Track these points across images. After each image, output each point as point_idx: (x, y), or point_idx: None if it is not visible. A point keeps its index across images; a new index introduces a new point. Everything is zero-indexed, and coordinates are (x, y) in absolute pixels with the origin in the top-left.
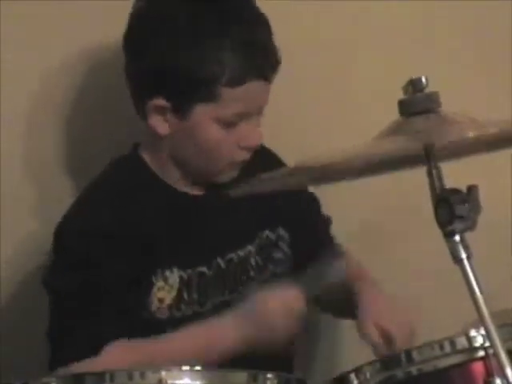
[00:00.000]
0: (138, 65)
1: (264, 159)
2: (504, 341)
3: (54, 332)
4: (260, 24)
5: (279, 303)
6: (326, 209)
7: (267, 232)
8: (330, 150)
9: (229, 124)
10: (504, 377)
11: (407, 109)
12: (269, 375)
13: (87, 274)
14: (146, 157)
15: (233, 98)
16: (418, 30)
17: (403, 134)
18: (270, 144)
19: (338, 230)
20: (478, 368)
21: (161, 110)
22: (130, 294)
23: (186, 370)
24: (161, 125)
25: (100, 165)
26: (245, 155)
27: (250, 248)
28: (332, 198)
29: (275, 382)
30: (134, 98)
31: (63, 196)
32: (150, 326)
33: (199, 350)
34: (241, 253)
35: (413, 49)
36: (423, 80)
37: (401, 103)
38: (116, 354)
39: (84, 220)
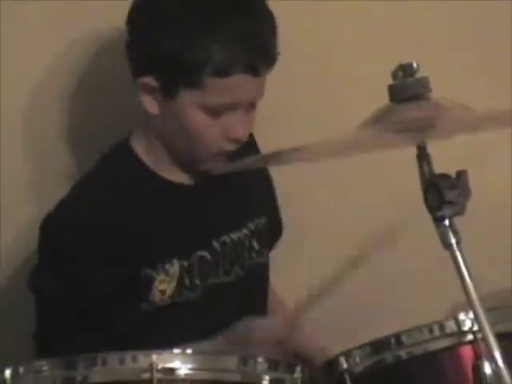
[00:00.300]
0: (135, 44)
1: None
2: (492, 324)
3: (41, 334)
4: (258, 18)
5: (266, 332)
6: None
7: (261, 218)
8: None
9: (214, 113)
10: (492, 360)
11: (397, 94)
12: (259, 359)
13: (73, 273)
14: (137, 146)
15: (218, 88)
16: (413, 26)
17: (394, 120)
18: (261, 132)
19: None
20: (467, 351)
21: (150, 89)
22: (122, 290)
23: (177, 354)
24: (150, 103)
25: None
26: (230, 146)
27: (245, 231)
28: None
29: (265, 365)
30: (132, 74)
31: (63, 183)
32: (150, 314)
33: None
34: (234, 236)
35: (406, 41)
36: (414, 65)
37: (391, 88)
38: None
39: (70, 216)
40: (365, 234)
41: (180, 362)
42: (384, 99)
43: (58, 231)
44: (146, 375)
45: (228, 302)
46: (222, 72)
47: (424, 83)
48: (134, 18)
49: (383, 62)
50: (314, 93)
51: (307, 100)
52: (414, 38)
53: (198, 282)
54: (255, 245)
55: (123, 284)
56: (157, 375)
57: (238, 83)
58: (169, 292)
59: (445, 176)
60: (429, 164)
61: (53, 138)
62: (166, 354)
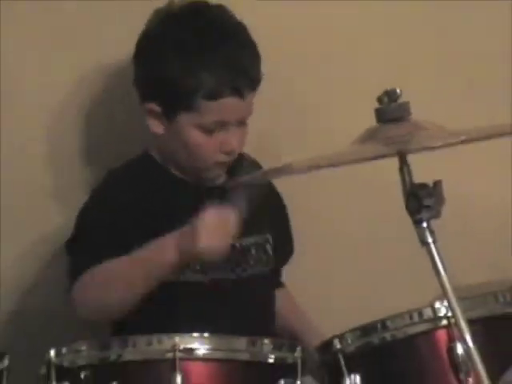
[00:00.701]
0: (139, 74)
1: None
2: (464, 311)
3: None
4: (242, 48)
5: (214, 216)
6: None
7: (265, 234)
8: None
9: (208, 131)
10: (464, 342)
11: (383, 116)
12: (265, 340)
13: (90, 244)
14: (154, 154)
15: (210, 110)
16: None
17: (380, 138)
18: (260, 150)
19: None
20: (442, 334)
21: (154, 113)
22: None
23: (196, 336)
24: (156, 125)
25: (113, 157)
26: (225, 158)
27: (251, 241)
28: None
29: (271, 346)
30: (139, 101)
31: (80, 185)
32: (164, 287)
33: (145, 265)
34: (242, 242)
35: (387, 63)
36: (397, 91)
37: (377, 111)
38: (91, 273)
39: (94, 204)
40: (356, 233)
41: (198, 344)
42: (370, 120)
43: (83, 215)
44: (170, 354)
45: (232, 296)
46: (213, 96)
47: (405, 107)
48: (137, 51)
49: (369, 87)
50: (313, 113)
51: (308, 121)
52: (396, 66)
53: (198, 267)
54: (257, 254)
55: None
56: (179, 354)
57: (227, 105)
58: None
59: (423, 185)
60: (409, 175)
61: (73, 151)
62: (186, 337)
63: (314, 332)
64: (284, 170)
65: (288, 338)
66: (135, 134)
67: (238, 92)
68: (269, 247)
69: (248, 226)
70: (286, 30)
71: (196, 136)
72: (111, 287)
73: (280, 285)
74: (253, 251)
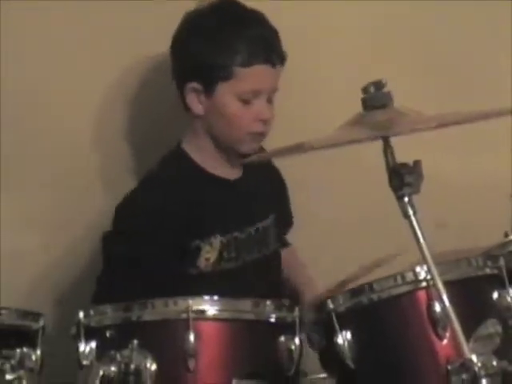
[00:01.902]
0: (179, 58)
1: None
2: (440, 274)
3: (102, 283)
4: (270, 29)
5: None
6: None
7: (274, 214)
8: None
9: (245, 101)
10: (441, 301)
11: (369, 104)
12: (267, 302)
13: (133, 243)
14: (188, 149)
15: (245, 76)
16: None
17: (366, 123)
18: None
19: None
20: (422, 295)
21: (195, 92)
22: (175, 259)
23: (207, 299)
24: (196, 105)
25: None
26: (261, 127)
27: (268, 222)
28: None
29: (272, 307)
30: (178, 86)
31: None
32: (195, 278)
33: None
34: (263, 224)
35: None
36: (383, 81)
37: (364, 99)
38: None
39: (135, 203)
40: (346, 210)
41: (209, 305)
42: (354, 108)
43: (126, 214)
44: (184, 315)
45: (256, 272)
46: (247, 63)
47: (388, 96)
48: (175, 40)
49: (353, 79)
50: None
51: (300, 111)
52: (377, 58)
53: (233, 255)
54: (274, 232)
55: (177, 252)
56: (192, 315)
57: (259, 71)
58: (212, 260)
59: (404, 164)
60: (392, 155)
61: (117, 137)
62: (198, 299)
63: (313, 284)
64: (299, 149)
65: (291, 289)
66: (174, 123)
67: (270, 60)
68: (276, 222)
69: (265, 208)
70: (281, 25)
71: (234, 106)
72: None
73: (287, 245)
74: (271, 230)
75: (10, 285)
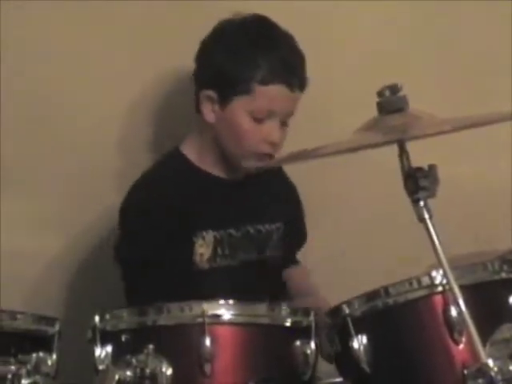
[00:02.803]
0: (202, 64)
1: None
2: (457, 279)
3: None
4: (294, 51)
5: None
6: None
7: (279, 222)
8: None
9: (257, 119)
10: (457, 305)
11: (385, 108)
12: (283, 306)
13: (134, 239)
14: (186, 150)
15: (262, 94)
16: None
17: (382, 127)
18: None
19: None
20: (438, 299)
21: (209, 100)
22: (171, 253)
23: (222, 303)
24: (209, 113)
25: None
26: (268, 149)
27: (273, 227)
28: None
29: (287, 311)
30: (195, 92)
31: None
32: (195, 275)
33: None
34: (267, 227)
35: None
36: (398, 85)
37: (379, 104)
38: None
39: (131, 201)
40: (363, 213)
41: (224, 309)
42: (369, 112)
43: (124, 213)
44: (199, 319)
45: (254, 274)
46: (266, 81)
47: (404, 100)
48: (202, 48)
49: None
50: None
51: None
52: (391, 64)
53: (227, 252)
54: (278, 239)
55: (172, 247)
56: (207, 319)
57: (277, 92)
58: (206, 256)
59: (419, 168)
60: (407, 159)
61: (136, 140)
62: (213, 304)
63: (322, 300)
64: (312, 154)
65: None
66: (181, 128)
67: (288, 82)
68: (282, 233)
69: (271, 214)
70: (289, 24)
71: (245, 122)
72: None
73: (296, 263)
74: (275, 237)
75: (12, 285)
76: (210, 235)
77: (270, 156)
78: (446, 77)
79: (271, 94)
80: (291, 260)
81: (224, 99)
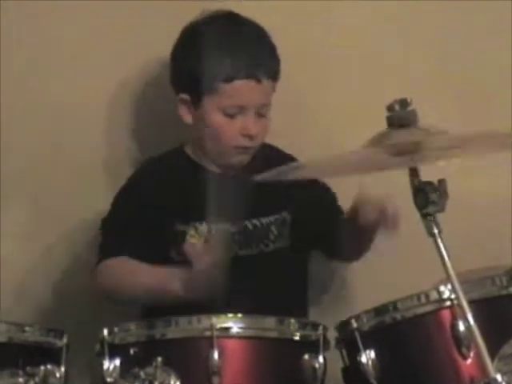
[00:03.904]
0: (173, 69)
1: (275, 156)
2: (465, 293)
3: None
4: (257, 39)
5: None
6: None
7: (284, 213)
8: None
9: (229, 115)
10: (466, 320)
11: (395, 122)
12: (292, 320)
13: (124, 227)
14: (187, 147)
15: (227, 92)
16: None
17: (390, 143)
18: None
19: None
20: (446, 314)
21: (185, 103)
22: (153, 243)
23: (231, 317)
24: (186, 115)
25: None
26: (246, 142)
27: (271, 219)
28: None
29: (296, 325)
30: (175, 95)
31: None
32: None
33: (154, 283)
34: (263, 220)
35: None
36: (408, 100)
37: (389, 118)
38: (112, 264)
39: (126, 190)
40: None
41: (232, 323)
42: (376, 126)
43: (115, 201)
44: (208, 333)
45: (251, 268)
46: (229, 79)
47: (414, 114)
48: (173, 51)
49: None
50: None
51: (319, 128)
52: (400, 77)
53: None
54: (277, 232)
55: (163, 236)
56: (216, 333)
57: (243, 88)
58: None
59: (429, 183)
60: (417, 174)
61: (123, 136)
62: (222, 317)
63: None
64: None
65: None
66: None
67: (253, 75)
68: (287, 225)
69: (267, 206)
70: (298, 34)
71: (218, 119)
72: (122, 283)
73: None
74: (273, 228)
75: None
76: (203, 227)
77: (250, 148)
78: (455, 89)
79: (237, 90)
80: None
81: (196, 100)
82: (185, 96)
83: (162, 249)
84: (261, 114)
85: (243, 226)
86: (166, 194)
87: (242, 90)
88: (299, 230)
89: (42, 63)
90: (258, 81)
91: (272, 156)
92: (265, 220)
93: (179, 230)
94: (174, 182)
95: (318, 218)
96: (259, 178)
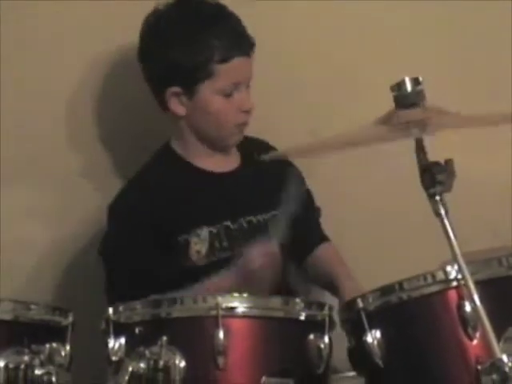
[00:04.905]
0: (152, 66)
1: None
2: (472, 274)
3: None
4: (234, 18)
5: (259, 255)
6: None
7: (280, 209)
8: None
9: (227, 94)
10: (472, 301)
11: (402, 101)
12: (297, 300)
13: (124, 241)
14: (176, 146)
15: (225, 72)
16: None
17: (398, 122)
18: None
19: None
20: (453, 294)
21: (176, 96)
22: (165, 253)
23: (236, 296)
24: (178, 107)
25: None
26: (245, 117)
27: (269, 215)
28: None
29: (302, 304)
30: (155, 94)
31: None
32: (192, 272)
33: None
34: (260, 217)
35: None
36: (420, 79)
37: (397, 97)
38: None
39: (123, 201)
40: (379, 208)
41: (238, 302)
42: (384, 105)
43: (114, 213)
44: (213, 312)
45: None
46: (225, 59)
47: (421, 93)
48: (143, 49)
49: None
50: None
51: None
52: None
53: (226, 244)
54: (279, 228)
55: (166, 247)
56: (221, 312)
57: (239, 65)
58: (203, 252)
59: (436, 163)
60: (424, 154)
61: (103, 134)
62: (227, 296)
63: (353, 279)
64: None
65: (326, 283)
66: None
67: (245, 50)
68: (283, 221)
69: (264, 203)
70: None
71: (217, 102)
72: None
73: (325, 239)
74: (273, 225)
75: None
76: (204, 231)
77: (247, 124)
78: (461, 71)
79: (233, 68)
80: (318, 237)
81: (189, 90)
82: (175, 89)
83: (175, 263)
84: (248, 86)
85: (241, 223)
86: (162, 210)
87: (238, 67)
88: (292, 227)
89: (42, 62)
90: (248, 55)
91: (251, 146)
92: (261, 217)
93: (182, 240)
94: (167, 194)
95: (300, 215)
96: (267, 157)
